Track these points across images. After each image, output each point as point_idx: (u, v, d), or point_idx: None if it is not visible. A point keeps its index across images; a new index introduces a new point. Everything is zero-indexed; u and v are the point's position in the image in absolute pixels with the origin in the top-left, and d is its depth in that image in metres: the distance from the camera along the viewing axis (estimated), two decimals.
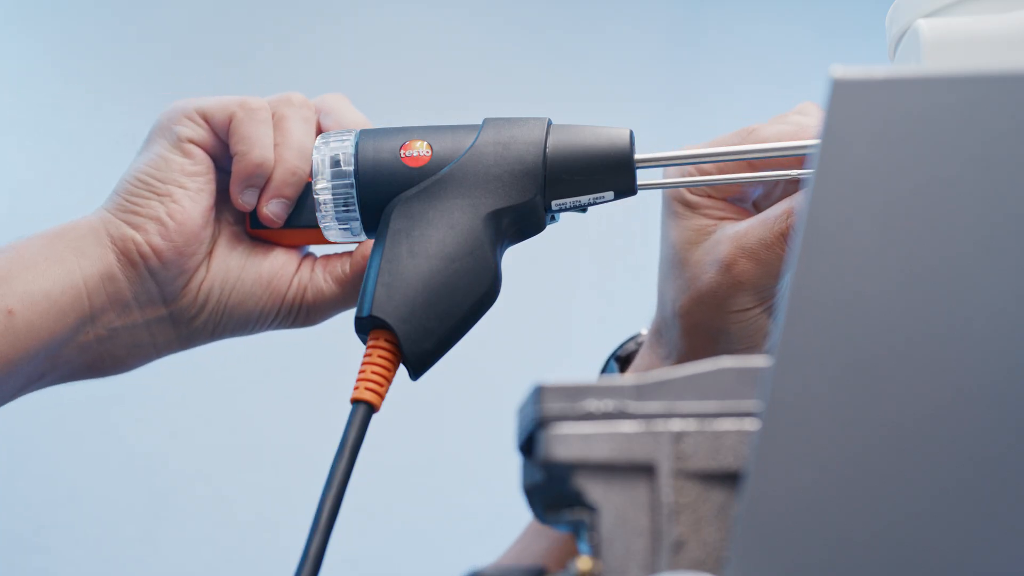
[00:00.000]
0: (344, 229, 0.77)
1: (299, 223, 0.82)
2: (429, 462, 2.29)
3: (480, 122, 0.77)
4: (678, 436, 0.52)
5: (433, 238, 0.73)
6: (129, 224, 0.82)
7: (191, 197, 0.82)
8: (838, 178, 0.46)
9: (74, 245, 0.82)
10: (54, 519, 2.13)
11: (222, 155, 0.83)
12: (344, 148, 0.76)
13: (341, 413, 0.71)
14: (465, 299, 0.73)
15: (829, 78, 0.46)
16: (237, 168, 0.82)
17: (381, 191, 0.75)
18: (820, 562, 0.47)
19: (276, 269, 0.83)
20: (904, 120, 0.46)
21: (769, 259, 0.79)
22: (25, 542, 2.09)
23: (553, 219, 0.78)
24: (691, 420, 0.52)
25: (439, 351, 0.73)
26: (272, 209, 0.82)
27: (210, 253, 0.84)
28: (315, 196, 0.76)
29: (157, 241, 0.81)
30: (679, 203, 0.83)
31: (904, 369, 0.46)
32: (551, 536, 0.91)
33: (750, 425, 0.52)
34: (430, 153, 0.75)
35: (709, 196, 0.83)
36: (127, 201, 0.83)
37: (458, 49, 2.43)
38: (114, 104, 2.31)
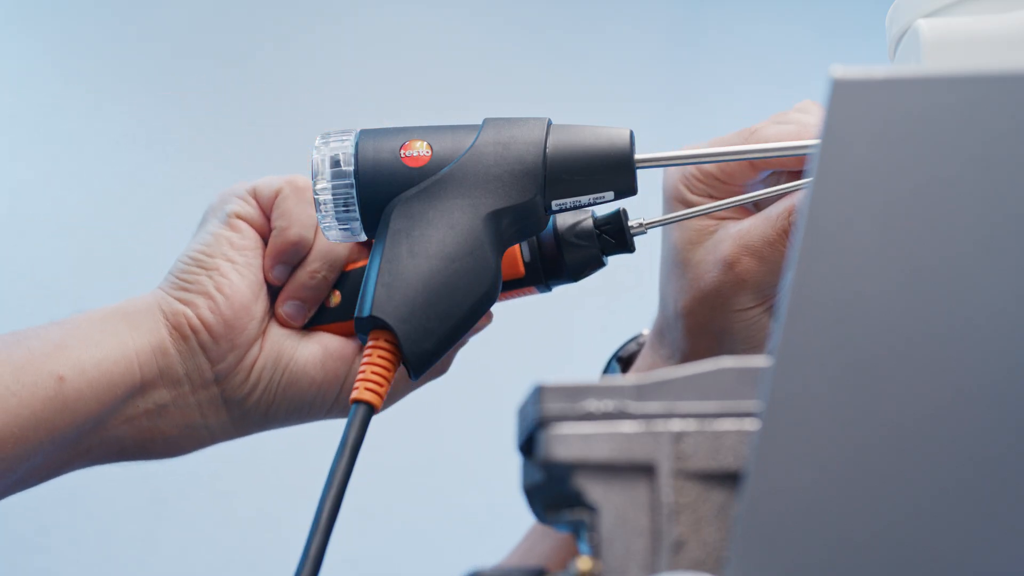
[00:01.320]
0: (344, 229, 0.77)
1: (349, 315, 0.83)
2: (429, 462, 2.29)
3: (480, 122, 0.77)
4: (678, 436, 0.52)
5: (433, 238, 0.73)
6: (180, 300, 0.82)
7: (238, 271, 0.83)
8: (838, 178, 0.46)
9: (129, 320, 0.82)
10: (55, 519, 2.13)
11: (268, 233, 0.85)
12: (344, 148, 0.76)
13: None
14: (465, 299, 0.73)
15: (829, 78, 0.46)
16: (273, 243, 0.83)
17: (381, 191, 0.75)
18: (820, 562, 0.47)
19: (332, 351, 0.83)
20: (904, 120, 0.46)
21: (772, 257, 0.79)
22: (26, 542, 2.09)
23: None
24: (691, 420, 0.52)
25: (439, 351, 0.73)
26: (287, 311, 0.83)
27: (264, 332, 0.84)
28: (315, 196, 0.76)
29: (206, 315, 0.82)
30: (680, 203, 0.83)
31: (904, 369, 0.46)
32: (555, 537, 0.91)
33: (750, 425, 0.52)
34: (430, 153, 0.75)
35: (710, 196, 0.83)
36: (178, 279, 0.83)
37: (458, 49, 2.43)
38: (114, 104, 2.31)
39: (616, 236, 0.81)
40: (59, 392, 0.79)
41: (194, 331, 0.82)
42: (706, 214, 0.82)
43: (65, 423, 0.79)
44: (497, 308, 0.78)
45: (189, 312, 0.82)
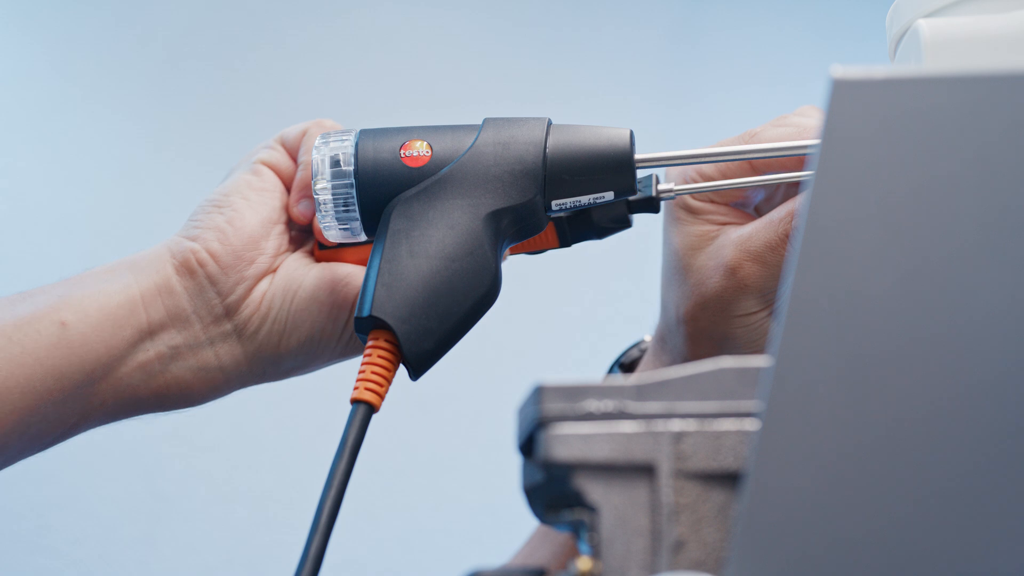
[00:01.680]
0: (344, 229, 0.77)
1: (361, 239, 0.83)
2: (429, 462, 2.29)
3: (480, 122, 0.77)
4: (678, 436, 0.52)
5: (433, 238, 0.73)
6: (189, 237, 0.83)
7: (251, 206, 0.83)
8: (838, 178, 0.46)
9: (133, 266, 0.83)
10: (56, 519, 2.13)
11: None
12: (344, 148, 0.76)
13: (341, 413, 0.71)
14: (465, 299, 0.73)
15: (829, 78, 0.46)
16: (297, 179, 0.83)
17: (381, 191, 0.75)
18: (820, 562, 0.47)
19: (342, 276, 0.83)
20: (904, 120, 0.46)
21: (774, 262, 0.79)
22: (27, 542, 2.09)
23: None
24: (691, 420, 0.52)
25: (439, 351, 0.73)
26: (300, 209, 0.83)
27: (275, 270, 0.84)
28: (315, 196, 0.76)
29: (215, 246, 0.82)
30: (681, 209, 0.83)
31: (904, 369, 0.46)
32: (557, 542, 0.91)
33: (750, 425, 0.52)
34: (430, 153, 0.75)
35: (711, 201, 0.82)
36: (191, 221, 0.84)
37: (458, 49, 2.43)
38: (113, 104, 2.31)
39: (644, 197, 0.80)
40: (62, 338, 0.79)
41: (201, 264, 0.82)
42: (708, 220, 0.82)
43: (72, 370, 0.79)
44: (497, 308, 0.78)
45: (196, 246, 0.82)
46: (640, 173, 0.79)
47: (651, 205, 0.80)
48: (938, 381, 0.46)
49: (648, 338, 0.90)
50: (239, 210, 0.83)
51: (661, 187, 0.80)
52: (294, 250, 0.85)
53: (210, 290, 0.82)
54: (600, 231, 0.81)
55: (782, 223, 0.79)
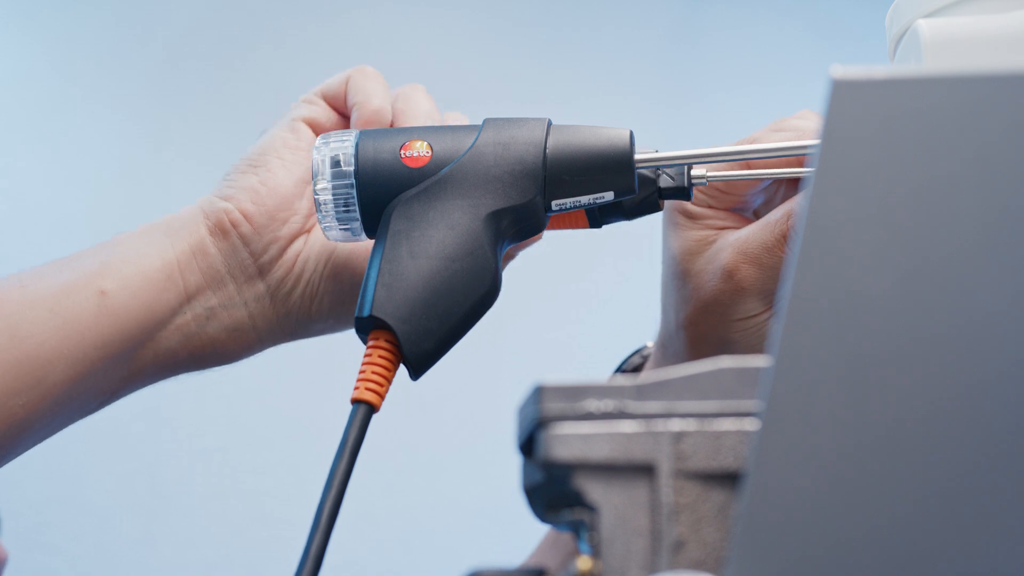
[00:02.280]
0: (344, 229, 0.77)
1: None
2: (429, 462, 2.29)
3: (480, 122, 0.77)
4: (678, 436, 0.52)
5: (433, 238, 0.73)
6: (222, 197, 0.83)
7: (285, 167, 0.83)
8: (838, 178, 0.46)
9: (168, 229, 0.83)
10: (56, 517, 2.13)
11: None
12: (344, 148, 0.76)
13: (341, 413, 0.72)
14: (465, 299, 0.73)
15: (829, 78, 0.46)
16: (356, 116, 0.83)
17: (381, 191, 0.75)
18: (820, 562, 0.47)
19: None
20: (904, 120, 0.46)
21: (771, 263, 0.79)
22: (27, 540, 2.09)
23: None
24: (691, 420, 0.52)
25: (439, 351, 0.73)
26: None
27: (309, 230, 0.84)
28: (315, 196, 0.76)
29: (248, 206, 0.82)
30: (680, 214, 0.83)
31: (904, 369, 0.46)
32: (564, 550, 0.91)
33: (750, 425, 0.52)
34: (430, 153, 0.75)
35: (710, 207, 0.82)
36: (226, 180, 0.84)
37: (458, 49, 2.43)
38: (113, 104, 2.31)
39: (676, 179, 0.79)
40: (104, 307, 0.79)
41: (234, 224, 0.82)
42: (707, 225, 0.82)
43: (115, 338, 0.80)
44: (497, 309, 0.78)
45: (230, 206, 0.82)
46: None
47: (683, 192, 0.80)
48: (938, 381, 0.46)
49: (650, 345, 0.90)
50: (273, 170, 0.83)
51: (694, 173, 0.79)
52: None
53: (243, 250, 0.82)
54: (629, 213, 0.81)
55: (778, 224, 0.79)
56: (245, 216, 0.82)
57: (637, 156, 0.75)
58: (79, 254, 0.82)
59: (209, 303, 0.82)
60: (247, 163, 0.84)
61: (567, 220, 0.82)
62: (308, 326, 0.85)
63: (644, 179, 0.79)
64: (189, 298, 0.82)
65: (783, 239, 0.78)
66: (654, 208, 0.80)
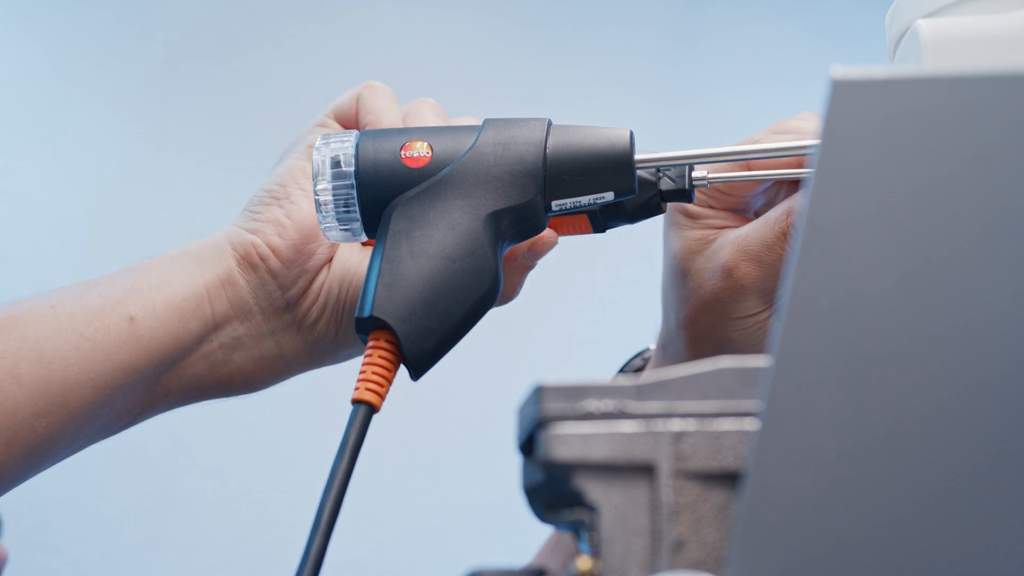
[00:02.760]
0: (345, 230, 0.77)
1: None
2: (429, 462, 2.29)
3: (480, 123, 0.77)
4: (678, 436, 0.52)
5: (433, 239, 0.73)
6: (249, 231, 0.83)
7: (308, 197, 0.84)
8: (838, 178, 0.46)
9: (196, 257, 0.83)
10: (57, 517, 2.13)
11: None
12: (344, 149, 0.76)
13: (341, 413, 0.72)
14: (465, 299, 0.73)
15: (829, 78, 0.46)
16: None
17: (381, 192, 0.75)
18: (820, 562, 0.47)
19: None
20: (904, 120, 0.46)
21: (771, 260, 0.79)
22: (28, 540, 2.09)
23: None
24: (691, 420, 0.52)
25: (440, 351, 0.73)
26: None
27: (331, 259, 0.84)
28: (316, 197, 0.76)
29: (275, 240, 0.82)
30: (681, 214, 0.83)
31: (904, 369, 0.46)
32: (567, 553, 0.91)
33: (750, 425, 0.52)
34: (430, 154, 0.75)
35: (711, 207, 0.82)
36: (251, 212, 0.84)
37: (458, 49, 2.43)
38: (113, 104, 2.31)
39: (677, 181, 0.79)
40: (132, 333, 0.80)
41: (263, 259, 0.82)
42: (707, 225, 0.82)
43: (141, 364, 0.80)
44: (498, 309, 0.78)
45: (258, 240, 0.83)
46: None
47: (685, 195, 0.80)
48: (938, 381, 0.46)
49: (652, 347, 0.90)
50: (296, 201, 0.83)
51: (695, 175, 0.79)
52: None
53: (271, 284, 0.83)
54: (632, 216, 0.81)
55: (778, 222, 0.79)
56: (273, 250, 0.82)
57: (637, 156, 0.75)
58: (108, 277, 0.83)
59: (236, 333, 0.83)
60: (270, 195, 0.84)
61: (571, 226, 0.82)
62: (335, 353, 0.85)
63: (645, 182, 0.79)
64: (216, 327, 0.82)
65: (783, 236, 0.78)
66: (656, 210, 0.80)
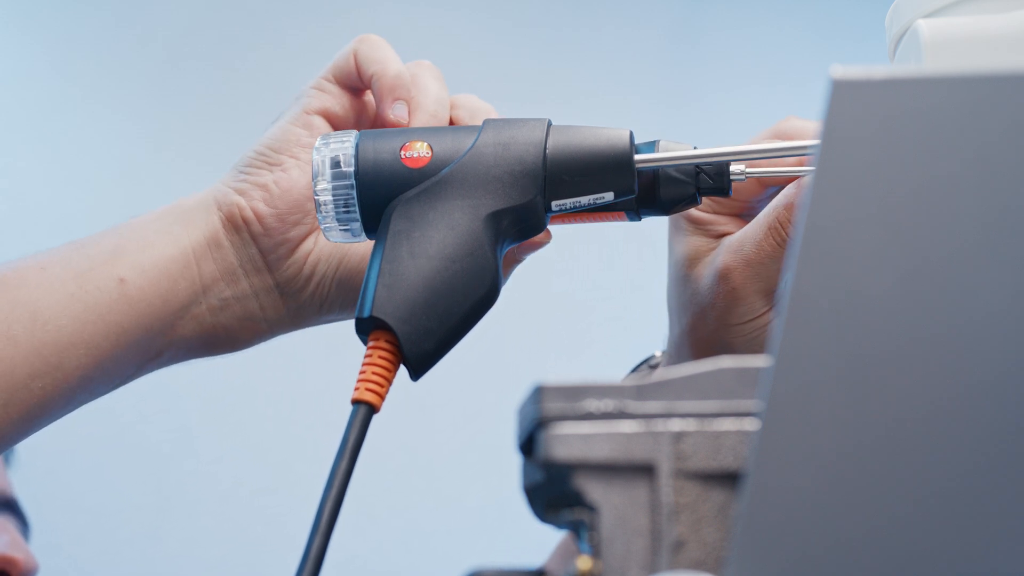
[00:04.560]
0: (345, 230, 0.77)
1: None
2: (429, 462, 2.29)
3: (480, 123, 0.77)
4: (678, 436, 0.52)
5: (433, 239, 0.73)
6: (236, 191, 0.84)
7: (300, 166, 0.83)
8: (838, 178, 0.46)
9: (183, 217, 0.84)
10: (57, 517, 2.13)
11: (352, 117, 0.84)
12: (344, 149, 0.76)
13: (341, 414, 0.72)
14: (465, 300, 0.73)
15: (829, 78, 0.46)
16: (378, 86, 0.82)
17: (381, 192, 0.75)
18: (820, 562, 0.47)
19: None
20: (904, 120, 0.46)
21: (762, 261, 0.78)
22: (28, 540, 2.09)
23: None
24: (691, 420, 0.52)
25: (440, 352, 0.73)
26: (397, 112, 0.81)
27: (318, 229, 0.84)
28: (315, 197, 0.76)
29: (259, 207, 0.83)
30: (685, 219, 0.83)
31: (904, 369, 0.46)
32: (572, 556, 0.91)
33: (750, 425, 0.52)
34: (430, 154, 0.75)
35: (715, 212, 0.82)
36: (241, 171, 0.84)
37: (458, 49, 2.43)
38: (113, 104, 2.31)
39: (715, 178, 0.78)
40: (122, 294, 0.80)
41: (246, 222, 0.83)
42: (711, 231, 0.82)
43: (132, 324, 0.81)
44: (498, 309, 0.78)
45: (243, 202, 0.83)
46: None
47: (722, 191, 0.78)
48: (938, 381, 0.46)
49: (658, 354, 0.90)
50: (288, 169, 0.83)
51: (733, 169, 0.78)
52: None
53: (253, 247, 0.83)
54: (667, 208, 0.80)
55: (765, 216, 0.79)
56: (257, 216, 0.83)
57: (638, 156, 0.75)
58: (96, 237, 0.83)
59: (224, 294, 0.83)
60: (262, 159, 0.84)
61: (607, 213, 0.81)
62: (317, 319, 0.86)
63: (683, 175, 0.78)
64: (204, 289, 0.83)
65: (770, 231, 0.78)
66: (693, 202, 0.79)
